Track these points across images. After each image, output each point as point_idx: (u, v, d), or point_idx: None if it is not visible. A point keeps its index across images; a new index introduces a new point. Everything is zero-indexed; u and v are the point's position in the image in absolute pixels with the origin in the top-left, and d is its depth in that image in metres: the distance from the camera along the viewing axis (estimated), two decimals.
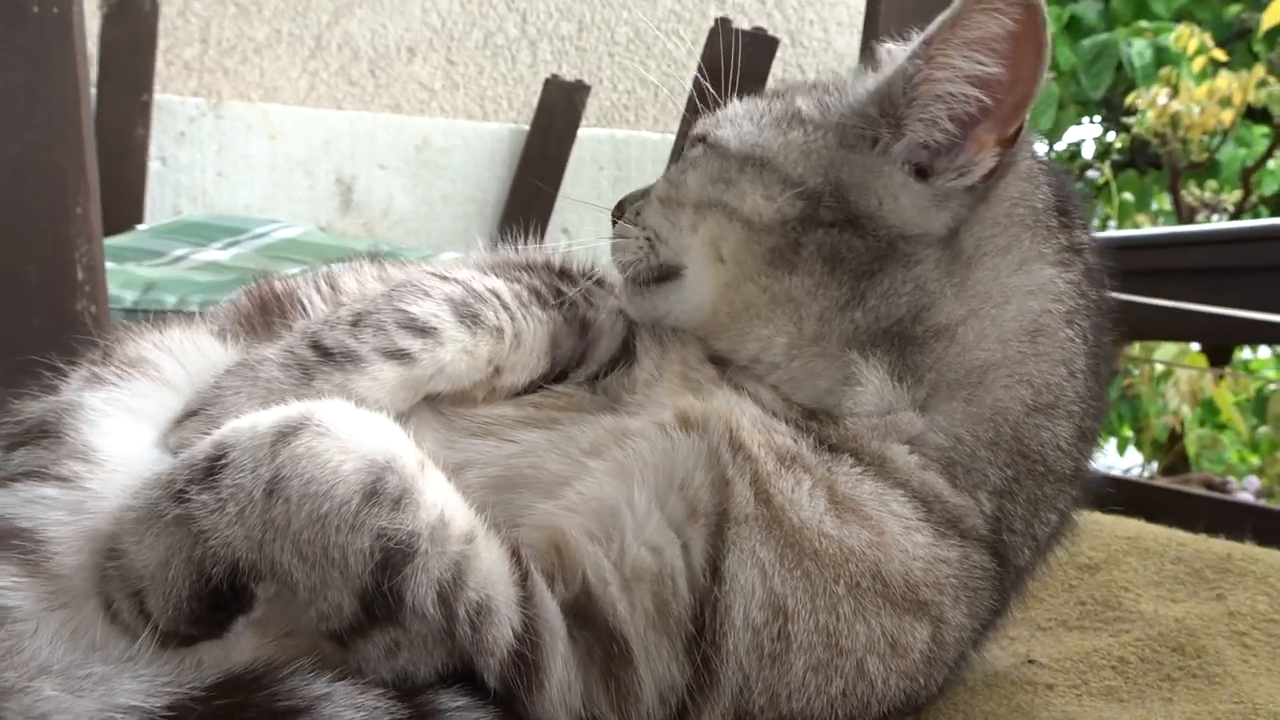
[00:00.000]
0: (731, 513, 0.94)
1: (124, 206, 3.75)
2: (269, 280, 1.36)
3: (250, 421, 0.92)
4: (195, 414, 1.04)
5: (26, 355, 1.21)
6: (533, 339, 1.13)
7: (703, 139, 1.19)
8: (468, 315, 1.09)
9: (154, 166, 4.02)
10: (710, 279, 1.12)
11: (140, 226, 3.75)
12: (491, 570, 0.91)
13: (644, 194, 1.25)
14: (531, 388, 1.15)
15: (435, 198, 4.43)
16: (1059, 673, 1.22)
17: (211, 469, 0.88)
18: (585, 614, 0.95)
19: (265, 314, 1.29)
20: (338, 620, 0.88)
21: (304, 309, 1.28)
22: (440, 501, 0.91)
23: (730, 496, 0.95)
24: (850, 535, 0.93)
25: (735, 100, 1.24)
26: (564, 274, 1.27)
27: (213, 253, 3.43)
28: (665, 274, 1.16)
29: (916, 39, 1.07)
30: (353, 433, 0.90)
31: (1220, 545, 1.54)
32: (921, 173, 1.07)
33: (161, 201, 4.07)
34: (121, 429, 1.09)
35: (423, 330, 1.07)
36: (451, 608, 0.88)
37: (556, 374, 1.15)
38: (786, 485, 0.95)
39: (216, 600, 0.89)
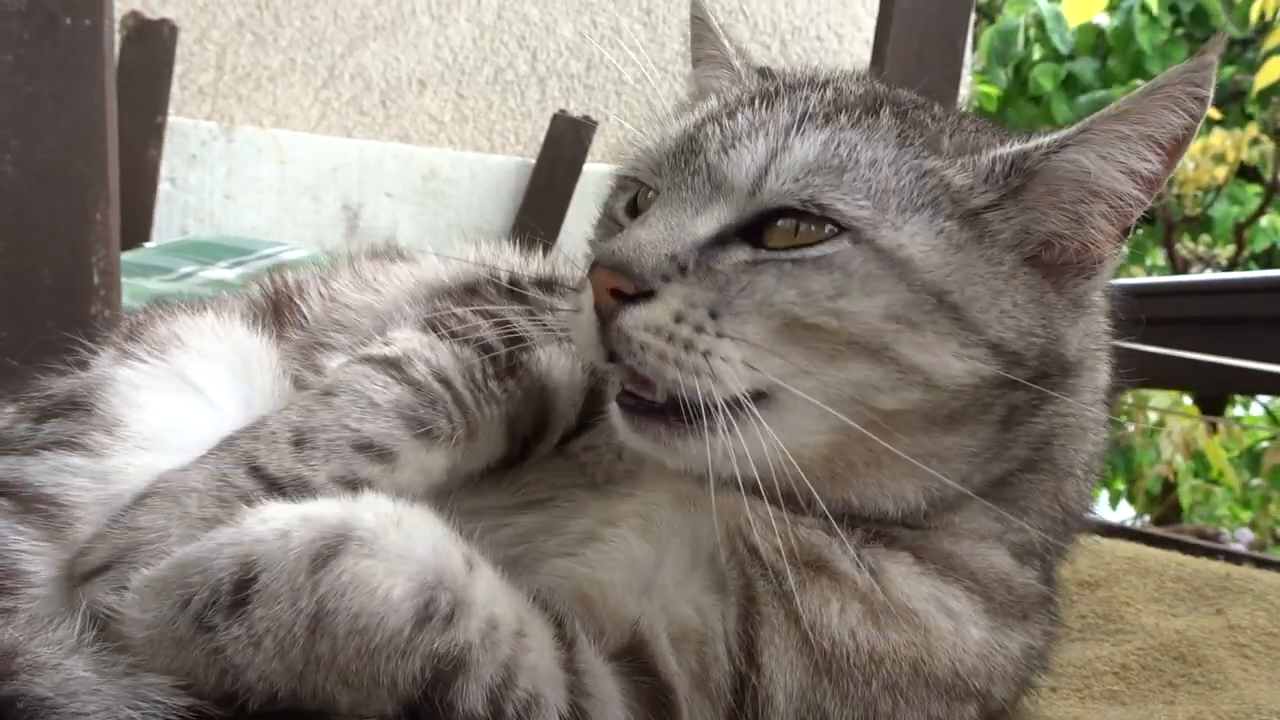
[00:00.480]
0: (761, 613, 0.93)
1: (133, 225, 3.78)
2: (283, 276, 1.39)
3: (278, 529, 0.82)
4: (109, 568, 0.90)
5: (35, 358, 1.23)
6: (489, 427, 1.04)
7: (849, 230, 0.89)
8: (420, 427, 0.99)
9: (164, 187, 4.06)
10: (829, 430, 0.91)
11: (148, 244, 3.79)
12: (540, 660, 0.88)
13: (677, 260, 0.90)
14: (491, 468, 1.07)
15: (440, 226, 4.48)
16: (1061, 677, 1.23)
17: (240, 595, 0.79)
18: (638, 662, 0.94)
19: (278, 312, 1.31)
20: (377, 717, 0.83)
21: (302, 317, 1.30)
22: (490, 601, 0.85)
23: (755, 600, 0.94)
24: (887, 640, 0.92)
25: (850, 133, 0.94)
26: (514, 288, 1.19)
27: (219, 271, 3.46)
28: (737, 401, 0.89)
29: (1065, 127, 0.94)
30: (399, 545, 0.82)
31: (1219, 566, 1.56)
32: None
33: (170, 221, 4.11)
34: (151, 404, 1.10)
35: (380, 454, 0.97)
36: (500, 706, 0.84)
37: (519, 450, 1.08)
38: (814, 603, 0.92)
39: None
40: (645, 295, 0.89)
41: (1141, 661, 1.27)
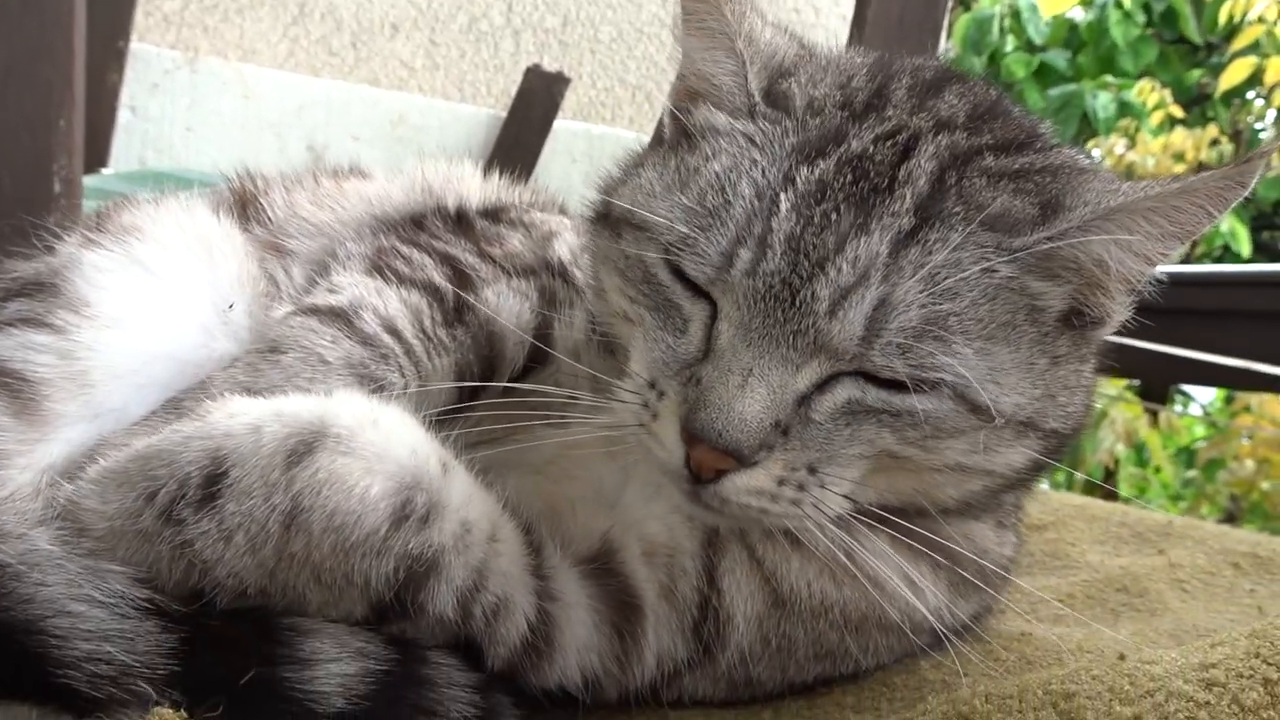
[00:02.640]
0: (723, 546, 0.98)
1: (90, 149, 3.69)
2: (251, 175, 1.39)
3: (249, 423, 0.81)
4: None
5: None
6: (440, 376, 1.04)
7: (955, 391, 0.86)
8: (372, 384, 0.99)
9: (123, 115, 3.96)
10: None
11: (105, 170, 3.71)
12: (510, 566, 0.89)
13: (780, 425, 0.86)
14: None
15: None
16: (1009, 602, 1.26)
17: (210, 488, 0.79)
18: (607, 566, 0.97)
19: (244, 207, 1.31)
20: (344, 618, 0.84)
21: (267, 217, 1.30)
22: (464, 504, 0.86)
23: (717, 534, 0.98)
24: (841, 593, 0.98)
25: (948, 255, 0.86)
26: (461, 220, 1.19)
27: None
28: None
29: (1081, 207, 0.88)
30: (376, 443, 0.82)
31: (1162, 515, 1.60)
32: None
33: (128, 150, 4.02)
34: (115, 286, 1.10)
35: None
36: (469, 609, 0.86)
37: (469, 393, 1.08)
38: (775, 556, 0.97)
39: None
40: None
41: (1086, 591, 1.30)
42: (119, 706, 0.74)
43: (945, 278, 0.84)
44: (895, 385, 0.85)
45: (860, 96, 0.95)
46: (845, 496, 0.89)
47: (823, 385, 0.87)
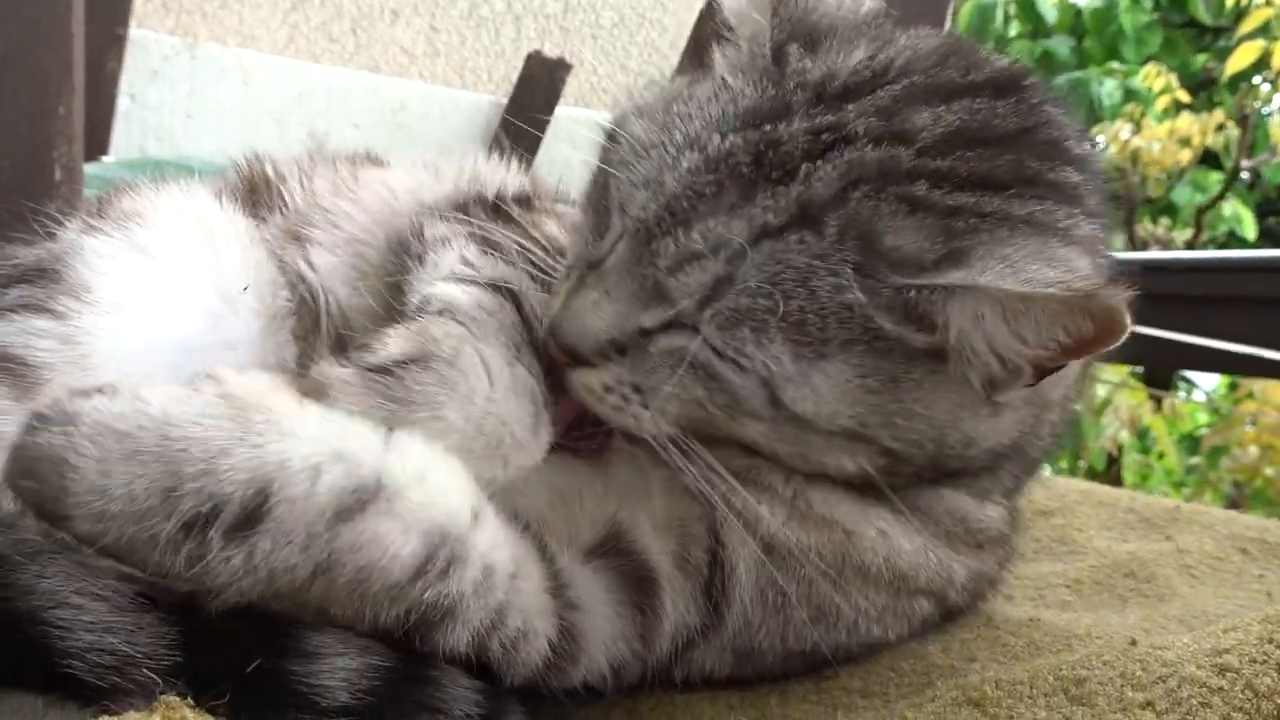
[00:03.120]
0: (712, 501, 0.99)
1: (90, 137, 3.67)
2: (260, 163, 1.38)
3: (310, 463, 0.78)
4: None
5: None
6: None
7: (761, 379, 0.92)
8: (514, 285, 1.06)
9: (123, 103, 3.95)
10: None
11: (106, 158, 3.70)
12: (531, 597, 0.90)
13: (616, 344, 0.96)
14: None
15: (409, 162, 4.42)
16: (1016, 588, 1.26)
17: (248, 518, 0.75)
18: (617, 546, 0.98)
19: (253, 194, 1.31)
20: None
21: (283, 202, 1.29)
22: (489, 549, 0.87)
23: (704, 492, 0.99)
24: (811, 537, 0.99)
25: (797, 258, 0.88)
26: (498, 209, 1.20)
27: None
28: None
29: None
30: (419, 505, 0.82)
31: (1169, 501, 1.60)
32: None
33: (128, 139, 4.00)
34: (116, 272, 1.10)
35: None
36: (485, 645, 0.87)
37: None
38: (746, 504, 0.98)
39: None
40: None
41: (1094, 577, 1.29)
42: (124, 695, 0.73)
43: (790, 280, 0.87)
44: (720, 354, 0.91)
45: (840, 82, 0.94)
46: (668, 427, 0.96)
47: (665, 327, 0.93)
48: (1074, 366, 0.96)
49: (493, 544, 0.87)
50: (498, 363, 0.95)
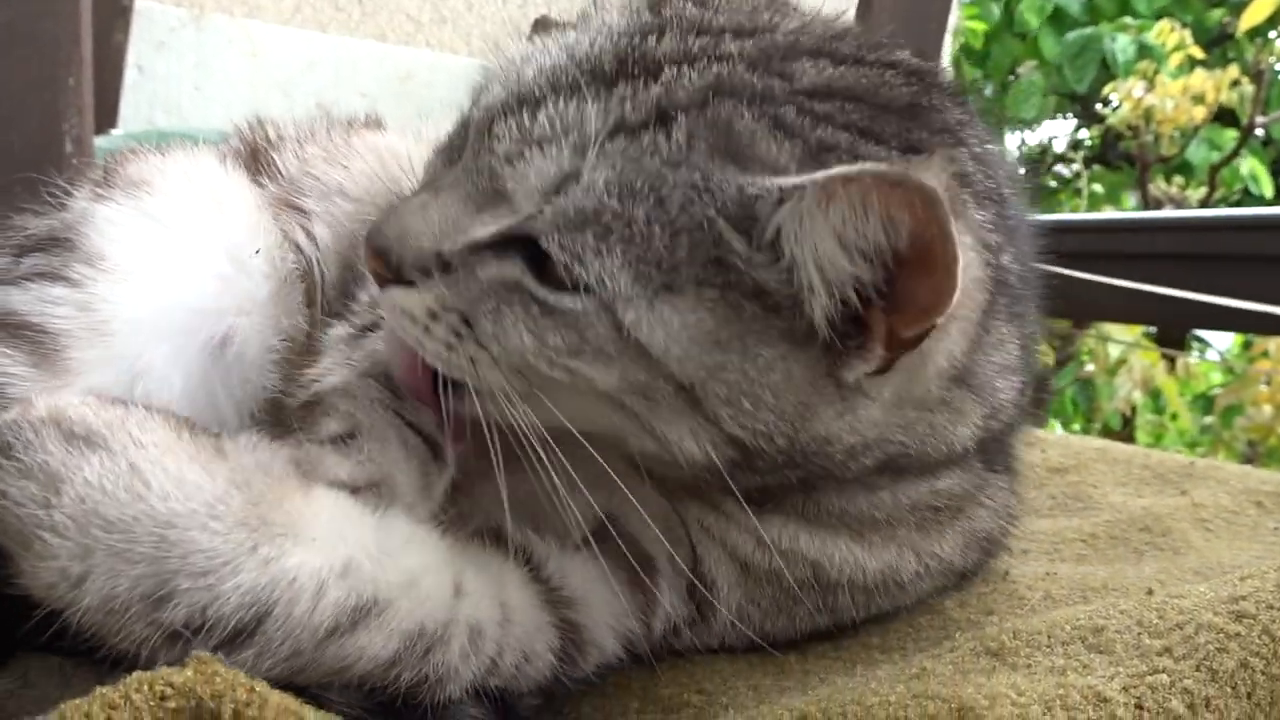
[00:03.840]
0: (686, 520, 0.99)
1: (99, 111, 3.66)
2: (263, 127, 1.38)
3: (316, 580, 0.75)
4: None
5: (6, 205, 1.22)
6: None
7: (601, 301, 0.81)
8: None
9: (130, 75, 3.94)
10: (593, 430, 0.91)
11: (115, 131, 3.70)
12: (525, 627, 0.89)
13: (441, 258, 0.85)
14: None
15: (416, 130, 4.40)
16: (1031, 543, 1.26)
17: (240, 636, 0.72)
18: (612, 531, 0.96)
19: (255, 159, 1.31)
20: None
21: (277, 170, 1.28)
22: (474, 610, 0.84)
23: (676, 511, 0.99)
24: (776, 562, 0.95)
25: (648, 163, 0.81)
26: None
27: None
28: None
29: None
30: (406, 611, 0.79)
31: (1184, 457, 1.60)
32: None
33: (136, 111, 4.00)
34: (129, 239, 1.11)
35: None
36: (484, 685, 0.85)
37: None
38: (720, 528, 0.98)
39: None
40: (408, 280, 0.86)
41: (1109, 532, 1.30)
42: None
43: (640, 185, 0.78)
44: (555, 285, 0.81)
45: (722, 21, 0.89)
46: (506, 379, 0.83)
47: (497, 248, 0.83)
48: (942, 353, 0.85)
49: (478, 604, 0.85)
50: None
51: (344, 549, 0.77)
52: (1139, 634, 0.76)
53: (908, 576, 1.01)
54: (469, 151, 0.87)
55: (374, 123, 1.45)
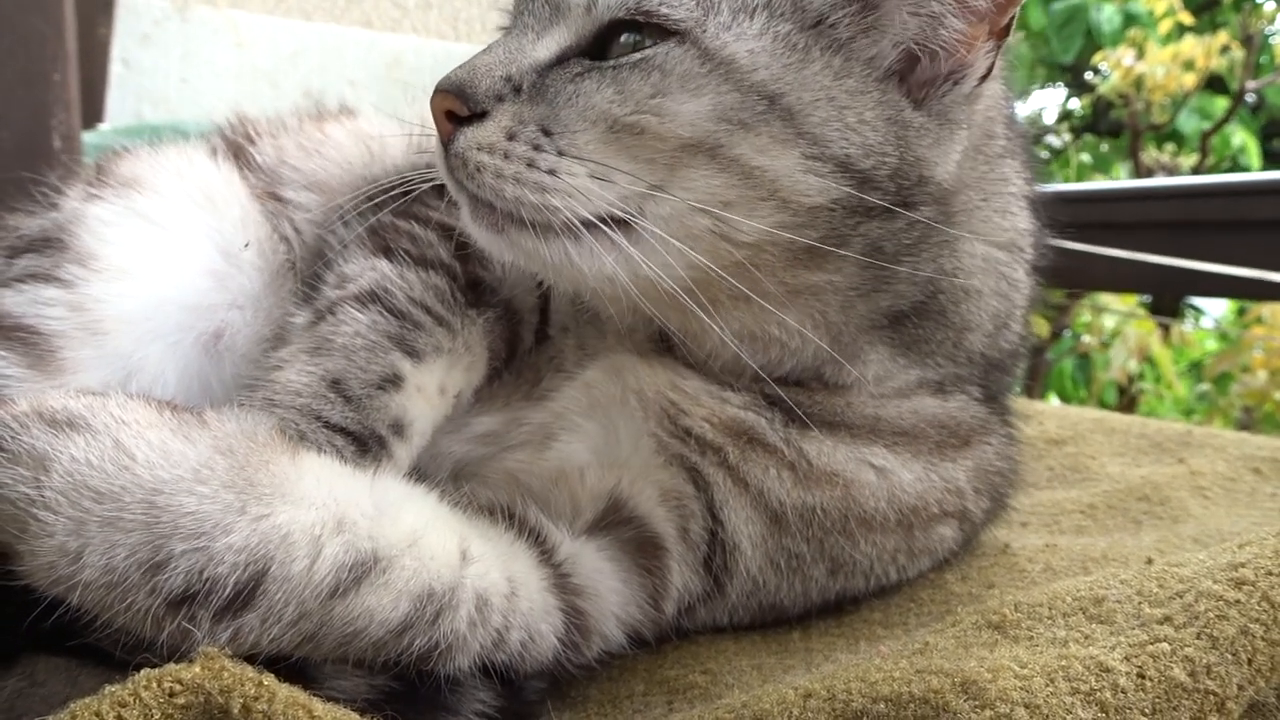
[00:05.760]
0: (710, 480, 0.98)
1: (85, 105, 3.65)
2: (243, 121, 1.38)
3: (311, 535, 0.74)
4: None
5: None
6: (475, 348, 1.05)
7: (675, 34, 0.86)
8: (414, 354, 0.99)
9: (116, 69, 3.92)
10: (695, 251, 0.87)
11: (103, 125, 3.68)
12: (531, 603, 0.89)
13: (512, 81, 0.89)
14: None
15: (405, 118, 4.38)
16: (1031, 515, 1.27)
17: (240, 597, 0.71)
18: (619, 516, 0.98)
19: (239, 154, 1.31)
20: None
21: (256, 164, 1.29)
22: (481, 579, 0.84)
23: (700, 471, 0.98)
24: (814, 497, 0.97)
25: None
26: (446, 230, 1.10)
27: None
28: (596, 223, 0.87)
29: None
30: (411, 570, 0.79)
31: (1181, 425, 1.60)
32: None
33: (123, 105, 3.98)
34: (120, 239, 1.10)
35: (396, 381, 0.97)
36: (490, 659, 0.85)
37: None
38: (756, 472, 0.97)
39: None
40: (480, 117, 0.88)
41: (1108, 502, 1.30)
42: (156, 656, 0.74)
43: None
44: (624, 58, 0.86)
45: None
46: (596, 180, 0.85)
47: (566, 64, 0.88)
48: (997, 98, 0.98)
49: (485, 573, 0.85)
50: None
51: (336, 506, 0.77)
52: (1139, 603, 0.77)
53: (929, 515, 1.01)
54: (518, 3, 0.93)
55: (347, 111, 1.45)
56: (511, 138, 0.86)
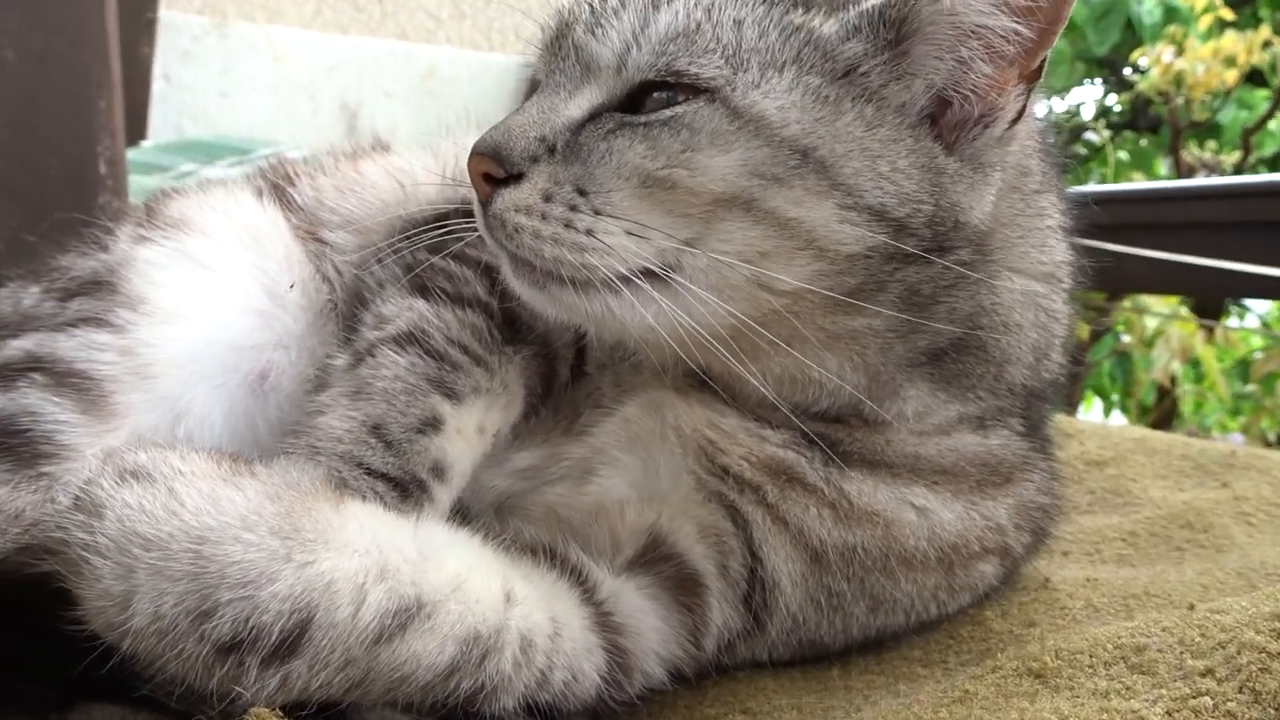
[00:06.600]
0: (749, 519, 0.98)
1: (129, 123, 3.70)
2: (281, 163, 1.40)
3: (354, 582, 0.76)
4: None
5: (50, 240, 1.24)
6: (512, 386, 1.06)
7: (705, 91, 0.87)
8: (453, 395, 1.00)
9: (158, 85, 3.99)
10: (734, 301, 0.89)
11: (145, 143, 3.74)
12: (574, 643, 0.90)
13: (546, 141, 0.90)
14: None
15: (439, 127, 4.41)
16: (1072, 544, 1.26)
17: (286, 644, 0.73)
18: (658, 553, 0.99)
19: (281, 194, 1.33)
20: None
21: (297, 205, 1.31)
22: (525, 620, 0.86)
23: (738, 509, 0.99)
24: (854, 536, 0.97)
25: None
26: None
27: (220, 170, 3.42)
28: (634, 278, 0.89)
29: None
30: (456, 614, 0.81)
31: (1224, 445, 1.58)
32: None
33: (165, 120, 4.05)
34: (170, 282, 1.13)
35: (436, 424, 0.98)
36: (534, 699, 0.87)
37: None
38: (796, 510, 0.98)
39: None
40: (516, 178, 0.90)
41: (1149, 529, 1.29)
42: (209, 710, 0.75)
43: (703, 9, 0.88)
44: (654, 111, 0.88)
45: None
46: (632, 236, 0.86)
47: (594, 116, 0.90)
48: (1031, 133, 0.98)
49: (529, 614, 0.86)
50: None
51: (379, 553, 0.79)
52: (1181, 653, 0.77)
53: (970, 552, 1.01)
54: (550, 60, 0.95)
55: (380, 146, 1.46)
56: (548, 199, 0.88)
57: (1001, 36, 0.88)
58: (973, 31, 0.88)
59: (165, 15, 3.92)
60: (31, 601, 0.79)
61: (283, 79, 4.19)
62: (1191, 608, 0.83)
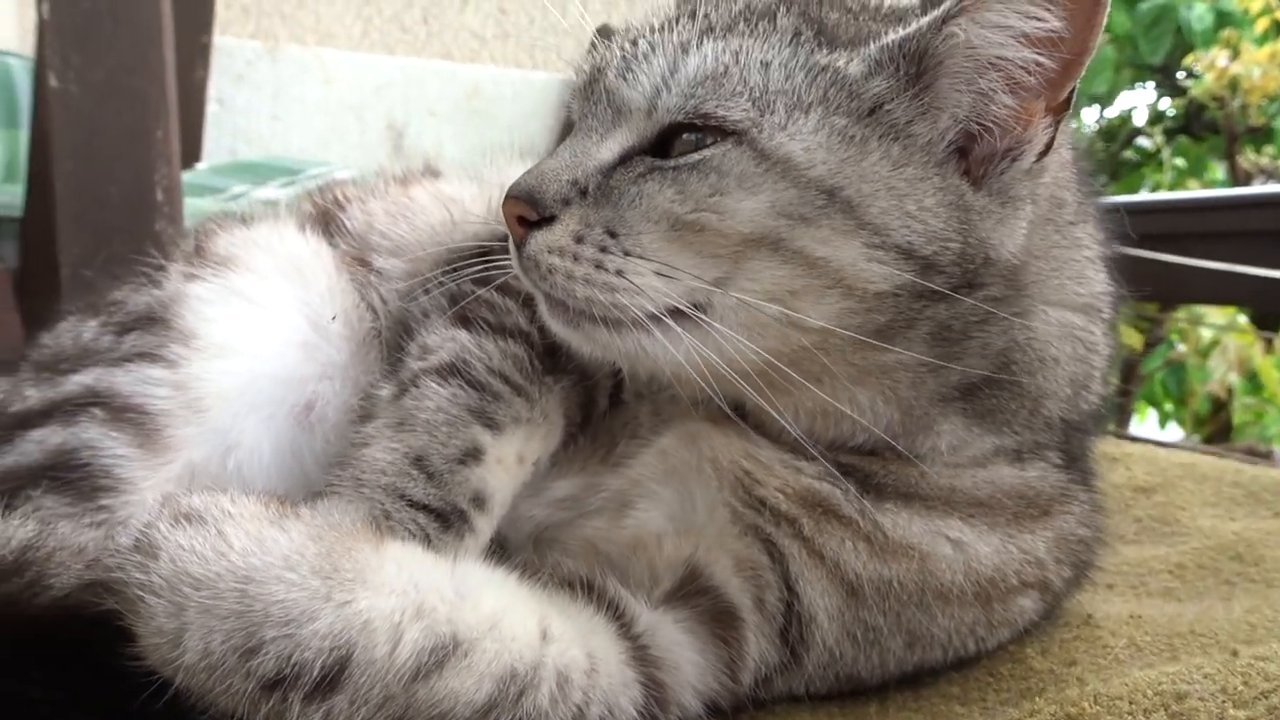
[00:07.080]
0: (785, 552, 0.99)
1: (183, 146, 3.79)
2: (330, 190, 1.43)
3: (390, 622, 0.78)
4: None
5: (107, 271, 1.28)
6: (554, 414, 1.07)
7: (733, 134, 0.89)
8: (493, 425, 1.02)
9: (212, 109, 4.08)
10: (764, 338, 0.90)
11: (200, 165, 3.83)
12: (611, 679, 0.91)
13: (578, 184, 0.93)
14: None
15: (484, 145, 4.46)
16: (1117, 576, 1.24)
17: (326, 680, 0.76)
18: (695, 586, 0.99)
19: (327, 220, 1.36)
20: None
21: (346, 230, 1.33)
22: (561, 657, 0.87)
23: (774, 543, 0.99)
24: (890, 570, 0.97)
25: (742, 41, 0.92)
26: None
27: (271, 191, 3.49)
28: (664, 317, 0.90)
29: None
30: (493, 651, 0.82)
31: (1277, 473, 1.55)
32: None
33: (219, 143, 4.14)
34: (219, 317, 1.16)
35: (476, 454, 1.00)
36: None
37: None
38: (832, 544, 0.98)
39: None
40: (549, 220, 0.92)
41: (1198, 561, 1.27)
42: None
43: (730, 53, 0.90)
44: (683, 155, 0.90)
45: None
46: (662, 277, 0.88)
47: (625, 159, 0.92)
48: (1064, 165, 0.98)
49: (565, 650, 0.87)
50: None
51: (415, 593, 0.81)
52: (1223, 702, 0.75)
53: (1008, 587, 1.01)
54: (583, 103, 0.97)
55: (430, 172, 1.49)
56: (579, 240, 0.91)
57: (1022, 68, 0.88)
58: (991, 63, 0.88)
59: (219, 40, 4.01)
60: (94, 639, 0.82)
61: (332, 100, 4.26)
62: (1235, 653, 0.82)
